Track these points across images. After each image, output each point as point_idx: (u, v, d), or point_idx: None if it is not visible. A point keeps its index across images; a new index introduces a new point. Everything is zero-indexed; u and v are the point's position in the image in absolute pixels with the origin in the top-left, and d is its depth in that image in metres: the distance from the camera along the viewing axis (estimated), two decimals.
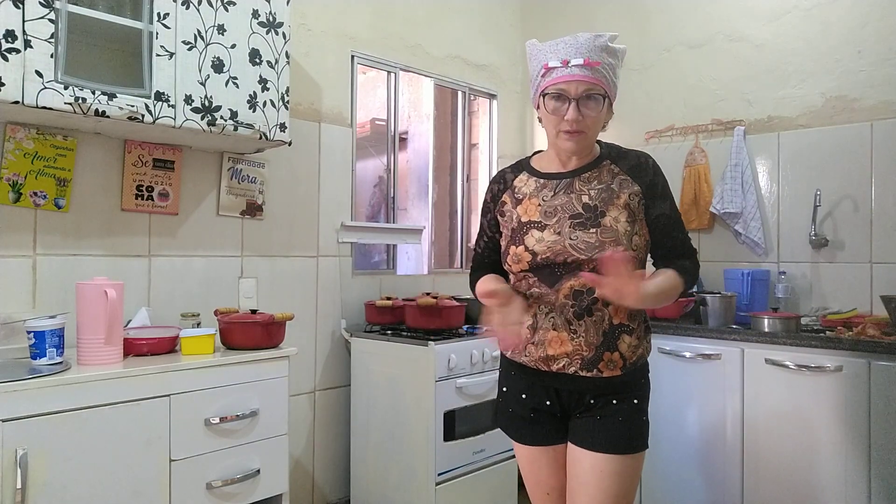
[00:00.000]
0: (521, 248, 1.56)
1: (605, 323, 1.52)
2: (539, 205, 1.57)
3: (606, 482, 1.49)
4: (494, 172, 3.73)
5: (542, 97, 1.51)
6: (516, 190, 1.63)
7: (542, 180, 1.60)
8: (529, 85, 1.60)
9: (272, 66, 2.27)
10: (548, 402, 1.59)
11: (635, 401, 1.55)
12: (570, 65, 1.46)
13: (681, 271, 1.54)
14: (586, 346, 1.51)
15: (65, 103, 1.80)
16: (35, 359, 1.78)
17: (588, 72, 1.46)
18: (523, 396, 1.62)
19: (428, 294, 2.88)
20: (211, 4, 2.11)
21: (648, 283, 1.46)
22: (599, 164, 1.57)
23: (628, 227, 1.51)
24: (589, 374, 1.52)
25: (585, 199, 1.53)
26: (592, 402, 1.54)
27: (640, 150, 1.61)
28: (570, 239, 1.51)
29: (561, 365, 1.53)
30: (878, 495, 2.20)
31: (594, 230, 1.50)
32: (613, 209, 1.51)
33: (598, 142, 1.61)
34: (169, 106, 2.01)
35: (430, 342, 2.55)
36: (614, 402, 1.53)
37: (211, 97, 2.11)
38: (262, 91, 2.24)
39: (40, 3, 1.76)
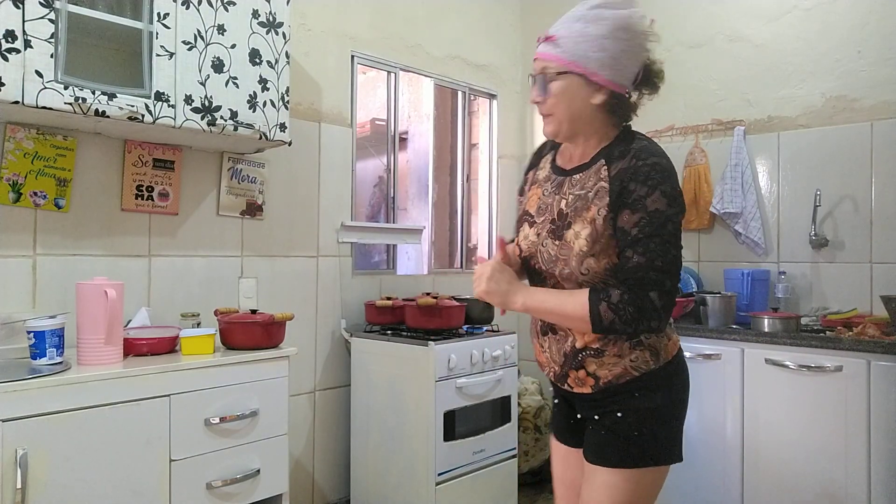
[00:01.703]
0: (517, 237, 1.50)
1: (568, 345, 1.40)
2: (539, 197, 1.45)
3: (594, 492, 1.38)
4: (494, 172, 3.75)
5: None
6: (537, 171, 1.52)
7: (550, 171, 1.47)
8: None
9: (272, 66, 2.27)
10: (556, 401, 1.59)
11: (619, 414, 1.37)
12: (539, 41, 1.34)
13: (596, 298, 1.28)
14: (554, 362, 1.45)
15: (65, 103, 1.80)
16: (35, 359, 1.78)
17: (547, 47, 1.32)
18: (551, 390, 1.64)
19: (428, 294, 2.88)
20: (211, 4, 2.11)
21: (522, 292, 1.38)
22: (593, 164, 1.36)
23: (585, 247, 1.32)
24: (563, 387, 1.46)
25: (563, 204, 1.37)
26: (586, 411, 1.46)
27: (652, 151, 1.32)
28: (542, 245, 1.40)
29: (546, 372, 1.50)
30: (878, 495, 2.20)
31: (557, 242, 1.36)
32: (580, 222, 1.34)
33: (622, 133, 1.38)
34: (169, 106, 2.01)
35: (430, 342, 2.55)
36: (595, 416, 1.42)
37: (211, 97, 2.11)
38: (262, 91, 2.24)
39: (40, 3, 1.76)
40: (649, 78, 1.39)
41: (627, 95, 1.37)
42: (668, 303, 1.26)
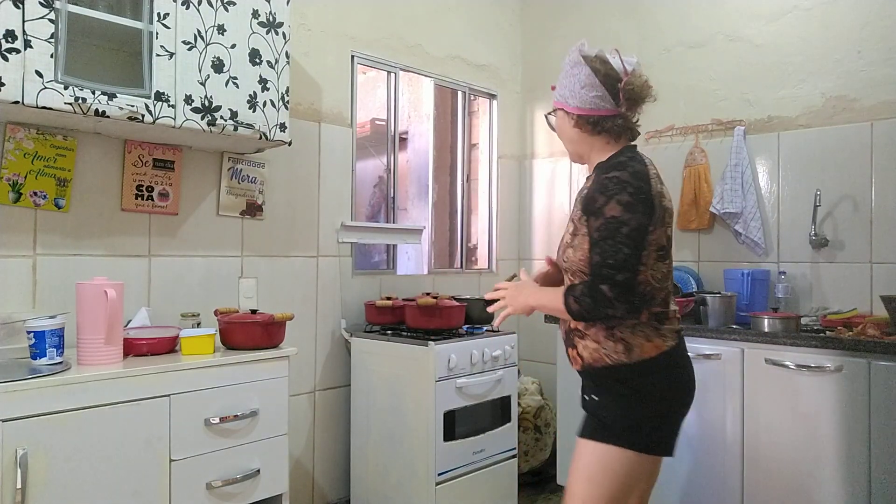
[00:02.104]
0: None
1: (566, 324, 1.73)
2: None
3: (574, 457, 1.68)
4: (494, 172, 3.75)
5: None
6: None
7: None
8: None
9: (272, 66, 2.27)
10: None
11: (595, 397, 1.66)
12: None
13: (567, 293, 1.59)
14: (564, 343, 1.77)
15: (65, 103, 1.80)
16: (35, 359, 1.78)
17: (553, 95, 1.76)
18: None
19: (428, 294, 2.88)
20: (211, 4, 2.11)
21: (533, 295, 1.73)
22: (590, 177, 1.70)
23: (567, 238, 1.67)
24: (571, 366, 1.77)
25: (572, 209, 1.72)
26: (582, 390, 1.74)
27: (621, 164, 1.60)
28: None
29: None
30: (878, 495, 2.20)
31: (561, 239, 1.73)
32: (571, 222, 1.67)
33: (617, 152, 1.67)
34: (169, 106, 2.01)
35: (430, 342, 2.55)
36: (585, 397, 1.71)
37: (211, 97, 2.11)
38: (262, 91, 2.24)
39: (40, 3, 1.76)
40: (628, 96, 1.65)
41: (603, 116, 1.65)
42: (619, 293, 1.51)
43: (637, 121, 1.72)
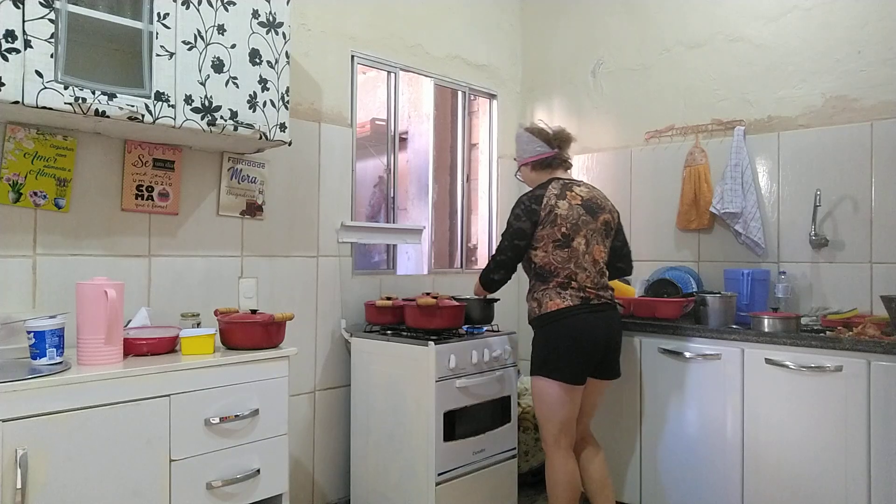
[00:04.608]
0: None
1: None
2: None
3: None
4: (494, 172, 3.75)
5: None
6: None
7: None
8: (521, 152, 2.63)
9: (272, 66, 2.27)
10: None
11: (531, 344, 2.44)
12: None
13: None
14: None
15: (65, 103, 1.80)
16: (35, 359, 1.78)
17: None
18: None
19: (428, 294, 2.88)
20: (211, 4, 2.11)
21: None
22: None
23: None
24: None
25: None
26: None
27: (526, 192, 2.50)
28: None
29: None
30: (878, 495, 2.20)
31: None
32: None
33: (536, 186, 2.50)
34: (169, 106, 2.01)
35: (430, 342, 2.55)
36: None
37: (211, 97, 2.11)
38: (262, 91, 2.24)
39: (40, 3, 1.76)
40: (557, 139, 2.54)
41: (542, 158, 2.53)
42: (497, 265, 2.47)
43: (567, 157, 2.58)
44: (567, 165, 2.57)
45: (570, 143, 2.58)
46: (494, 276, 2.47)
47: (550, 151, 2.51)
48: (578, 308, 2.33)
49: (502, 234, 2.45)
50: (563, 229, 2.35)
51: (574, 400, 2.38)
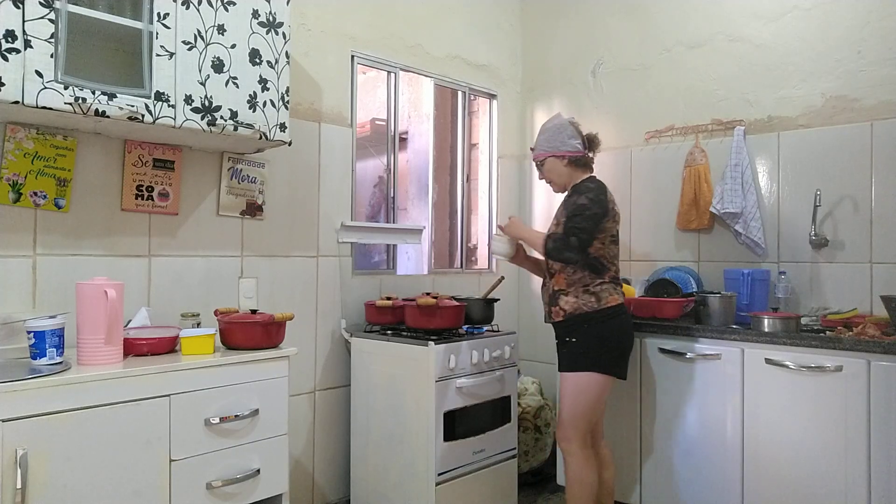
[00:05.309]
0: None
1: (550, 288, 2.47)
2: (557, 213, 2.54)
3: (560, 389, 2.44)
4: (494, 172, 3.76)
5: None
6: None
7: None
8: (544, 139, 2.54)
9: (272, 66, 2.27)
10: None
11: (574, 339, 2.37)
12: (531, 149, 2.64)
13: (547, 236, 2.39)
14: (544, 303, 2.52)
15: (65, 103, 1.80)
16: (35, 359, 1.78)
17: (534, 151, 2.58)
18: None
19: (428, 294, 2.88)
20: (211, 4, 2.11)
21: (524, 229, 2.60)
22: (568, 194, 2.49)
23: (553, 229, 2.46)
24: (549, 322, 2.49)
25: (558, 213, 2.50)
26: (558, 339, 2.46)
27: (591, 179, 2.46)
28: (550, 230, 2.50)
29: (544, 316, 2.54)
30: (878, 495, 2.20)
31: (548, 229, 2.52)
32: (556, 218, 2.48)
33: (584, 179, 2.47)
34: (169, 106, 2.01)
35: (430, 342, 2.55)
36: (561, 339, 2.44)
37: (211, 97, 2.11)
38: (262, 91, 2.24)
39: (40, 3, 1.76)
40: (590, 143, 2.52)
41: (581, 155, 2.49)
42: (577, 244, 2.31)
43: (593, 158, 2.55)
44: (592, 170, 2.55)
45: (597, 149, 2.57)
46: (571, 254, 2.31)
47: (584, 151, 2.49)
48: (625, 306, 2.43)
49: (574, 214, 2.33)
50: (618, 227, 2.44)
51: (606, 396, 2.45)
